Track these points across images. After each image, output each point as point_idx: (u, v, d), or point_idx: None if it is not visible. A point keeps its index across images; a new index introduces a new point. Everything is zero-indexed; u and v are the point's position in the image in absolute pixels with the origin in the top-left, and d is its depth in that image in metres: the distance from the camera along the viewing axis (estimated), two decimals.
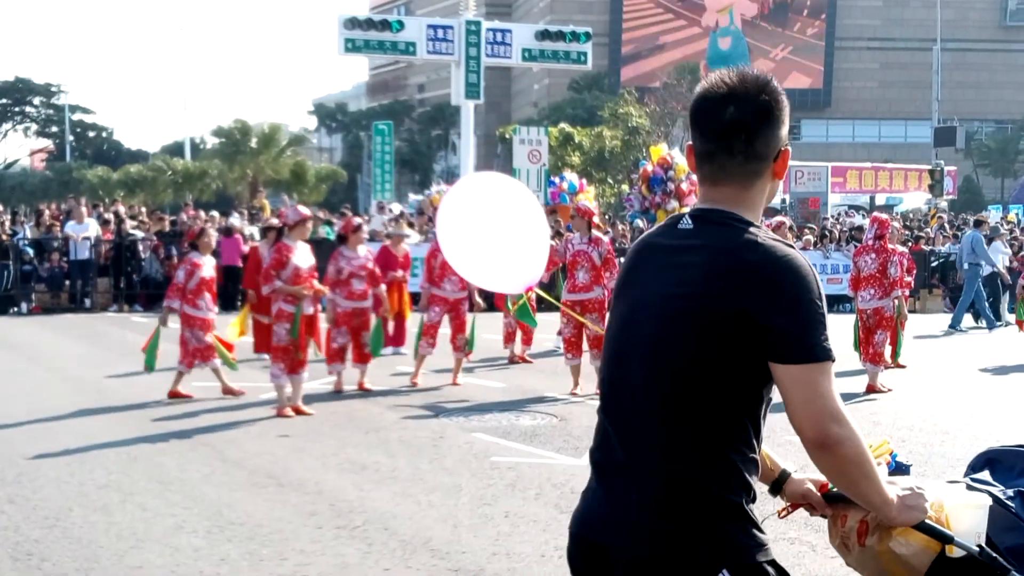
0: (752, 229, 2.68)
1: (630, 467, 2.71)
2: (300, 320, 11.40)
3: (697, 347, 2.62)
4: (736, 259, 2.63)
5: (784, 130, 2.84)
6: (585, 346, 13.19)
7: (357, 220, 13.74)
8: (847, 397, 12.83)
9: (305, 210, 12.57)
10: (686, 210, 2.85)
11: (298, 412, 11.40)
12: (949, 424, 11.16)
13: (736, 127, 2.74)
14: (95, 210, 27.88)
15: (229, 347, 13.05)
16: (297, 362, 11.44)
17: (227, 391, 12.60)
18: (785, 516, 2.83)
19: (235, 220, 27.49)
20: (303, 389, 11.71)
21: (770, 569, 2.70)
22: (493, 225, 6.91)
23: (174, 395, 12.40)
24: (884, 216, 14.62)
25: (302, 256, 11.56)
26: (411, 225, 27.32)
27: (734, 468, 2.70)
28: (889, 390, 13.23)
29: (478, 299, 14.22)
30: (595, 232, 13.36)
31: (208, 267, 12.73)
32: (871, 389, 13.18)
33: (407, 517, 7.49)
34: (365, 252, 13.16)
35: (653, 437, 2.68)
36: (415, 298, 14.92)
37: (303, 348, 11.58)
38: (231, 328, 15.75)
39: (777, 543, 6.81)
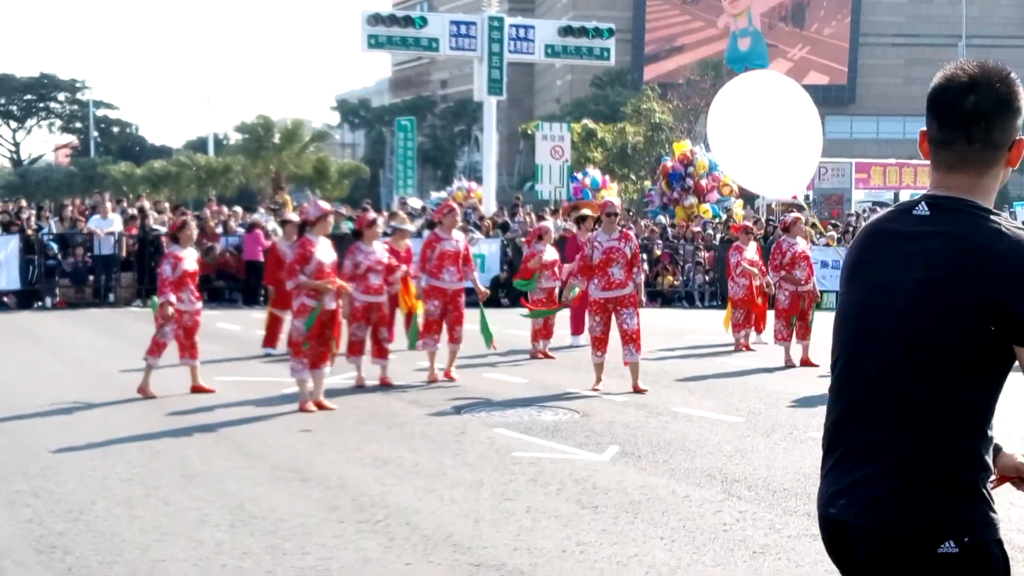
0: (993, 217, 2.79)
1: (870, 446, 2.83)
2: (319, 314, 11.38)
3: (941, 330, 2.73)
4: (981, 247, 2.73)
5: (1020, 120, 2.93)
6: (583, 339, 13.04)
7: (372, 215, 13.71)
8: None
9: (326, 205, 12.56)
10: (918, 196, 2.95)
11: (320, 407, 11.42)
12: None
13: (976, 115, 2.85)
14: (119, 205, 28.00)
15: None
16: (319, 357, 11.44)
17: (197, 389, 12.51)
18: (995, 488, 2.91)
19: (259, 216, 27.59)
20: (324, 384, 11.72)
21: (995, 549, 2.78)
22: (766, 127, 6.63)
23: (142, 391, 12.28)
24: None
25: (324, 251, 11.57)
26: (411, 217, 27.40)
27: (972, 447, 2.78)
28: None
29: (482, 288, 14.08)
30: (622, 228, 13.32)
31: (190, 260, 12.60)
32: None
33: (429, 512, 7.50)
34: (382, 247, 13.18)
35: (894, 416, 2.79)
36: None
37: (326, 342, 11.56)
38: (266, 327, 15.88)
39: (800, 539, 6.81)
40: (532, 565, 6.34)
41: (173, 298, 12.30)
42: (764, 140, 6.33)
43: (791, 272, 15.44)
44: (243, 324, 18.58)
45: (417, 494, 8.00)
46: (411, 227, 17.24)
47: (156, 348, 12.42)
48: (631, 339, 12.68)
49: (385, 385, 12.96)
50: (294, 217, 17.09)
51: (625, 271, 12.76)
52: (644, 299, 13.39)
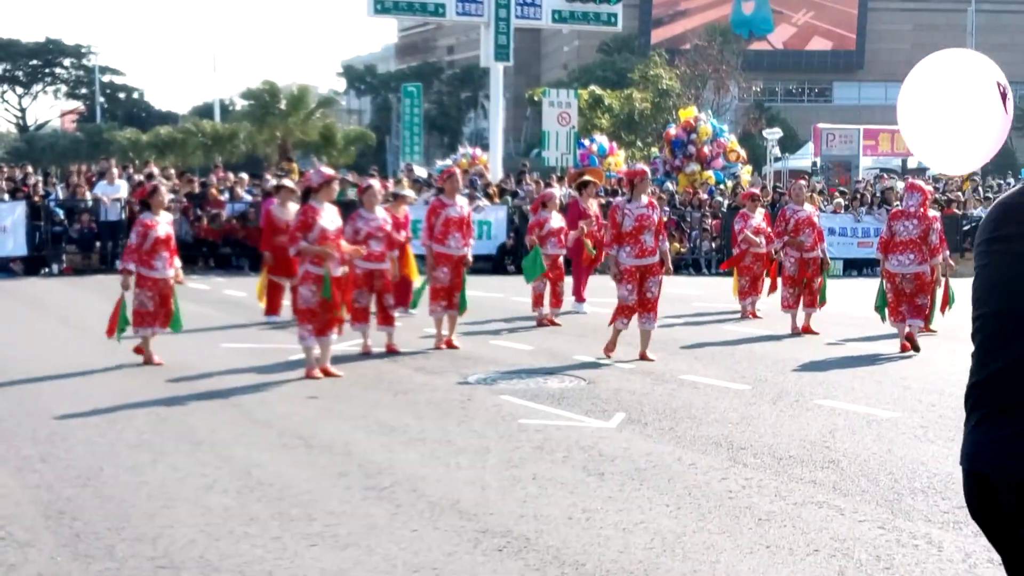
0: None
1: (1016, 402, 2.93)
2: (331, 280, 11.36)
3: None
4: None
5: None
6: (586, 307, 13.03)
7: (369, 181, 13.61)
8: (876, 359, 12.79)
9: (329, 171, 12.41)
10: None
11: (327, 374, 11.43)
12: None
13: None
14: (125, 172, 27.98)
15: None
16: (325, 324, 11.43)
17: (147, 360, 12.28)
18: None
19: (276, 182, 27.48)
20: (331, 351, 11.73)
21: None
22: (954, 100, 6.52)
23: (139, 350, 12.27)
24: (926, 186, 14.68)
25: (329, 218, 11.51)
26: (419, 186, 27.35)
27: None
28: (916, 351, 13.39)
29: (469, 257, 13.86)
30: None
31: (163, 225, 12.36)
32: (904, 348, 13.44)
33: (435, 479, 7.51)
34: (383, 213, 13.12)
35: None
36: (420, 260, 14.73)
37: (337, 307, 11.53)
38: (258, 293, 15.82)
39: (805, 506, 6.83)
40: (538, 532, 6.36)
41: (132, 267, 12.13)
42: (954, 114, 6.32)
43: (795, 238, 15.43)
44: (249, 291, 18.54)
45: (423, 461, 8.02)
46: (410, 193, 17.15)
47: (139, 318, 12.22)
48: (651, 307, 12.65)
49: (391, 352, 12.97)
50: (288, 183, 17.04)
51: (654, 238, 12.71)
52: (671, 268, 13.27)
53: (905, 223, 13.64)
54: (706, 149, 34.25)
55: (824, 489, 7.31)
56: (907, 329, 13.48)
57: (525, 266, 15.95)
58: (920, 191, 13.92)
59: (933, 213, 14.07)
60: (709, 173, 33.96)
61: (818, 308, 15.55)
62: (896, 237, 13.63)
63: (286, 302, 15.89)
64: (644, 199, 12.76)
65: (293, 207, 15.98)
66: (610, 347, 12.81)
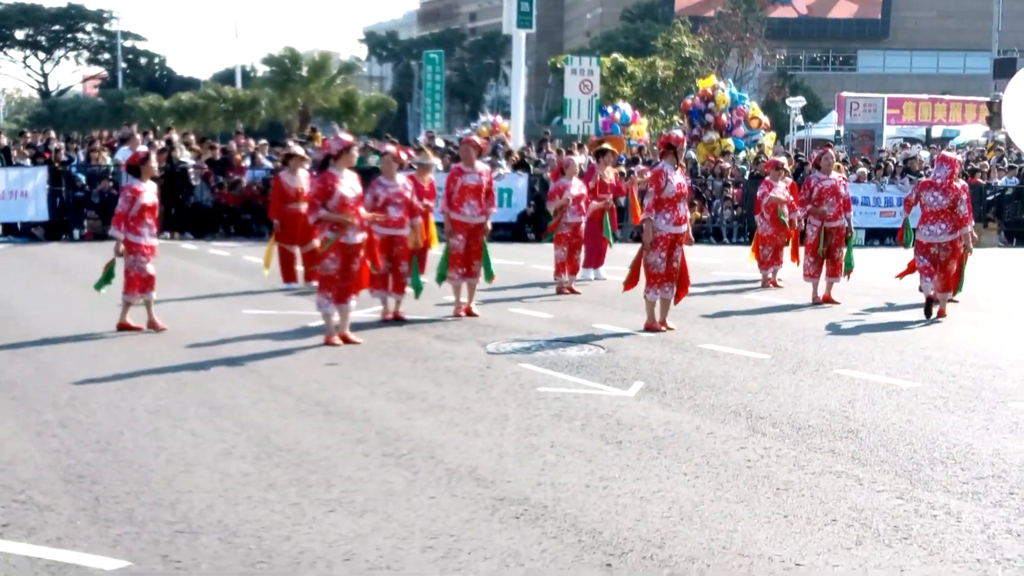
0: None
1: None
2: (333, 244, 11.30)
3: None
4: None
5: None
6: (603, 272, 13.01)
7: (387, 147, 13.53)
8: (898, 329, 12.73)
9: (348, 137, 12.27)
10: None
11: (346, 341, 11.44)
12: (1000, 359, 11.04)
13: None
14: (146, 137, 28.01)
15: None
16: (344, 291, 11.43)
17: (151, 325, 12.23)
18: None
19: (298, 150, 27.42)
20: (350, 318, 11.74)
21: None
22: None
23: (123, 327, 12.18)
24: (954, 156, 14.98)
25: (348, 185, 11.48)
26: (438, 154, 27.29)
27: None
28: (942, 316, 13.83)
29: (488, 226, 13.84)
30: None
31: (149, 193, 12.25)
32: (941, 313, 13.95)
33: (453, 446, 7.52)
34: (403, 180, 13.02)
35: None
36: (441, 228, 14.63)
37: (351, 276, 11.48)
38: (264, 260, 15.80)
39: (823, 475, 6.80)
40: (555, 500, 6.36)
41: (120, 235, 12.02)
42: None
43: (818, 207, 15.35)
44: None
45: (441, 428, 8.03)
46: (435, 161, 17.11)
47: (132, 284, 12.13)
48: (674, 276, 12.50)
49: (398, 319, 12.93)
50: (299, 150, 16.98)
51: (686, 207, 12.64)
52: (692, 237, 13.16)
53: (935, 193, 13.82)
54: (724, 117, 34.06)
55: (843, 459, 7.29)
56: (932, 293, 13.81)
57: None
58: (950, 163, 14.14)
59: (961, 183, 14.26)
60: (728, 141, 33.78)
61: (843, 278, 15.48)
62: (926, 208, 13.83)
63: (300, 268, 15.92)
64: (677, 166, 12.68)
65: (303, 175, 16.04)
66: (651, 322, 12.54)
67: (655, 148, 35.91)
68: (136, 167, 12.45)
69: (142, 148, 25.00)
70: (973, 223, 14.39)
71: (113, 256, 12.30)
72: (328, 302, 11.38)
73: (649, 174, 12.42)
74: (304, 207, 16.04)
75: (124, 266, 12.19)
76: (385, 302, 13.02)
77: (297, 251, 15.95)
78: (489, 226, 13.77)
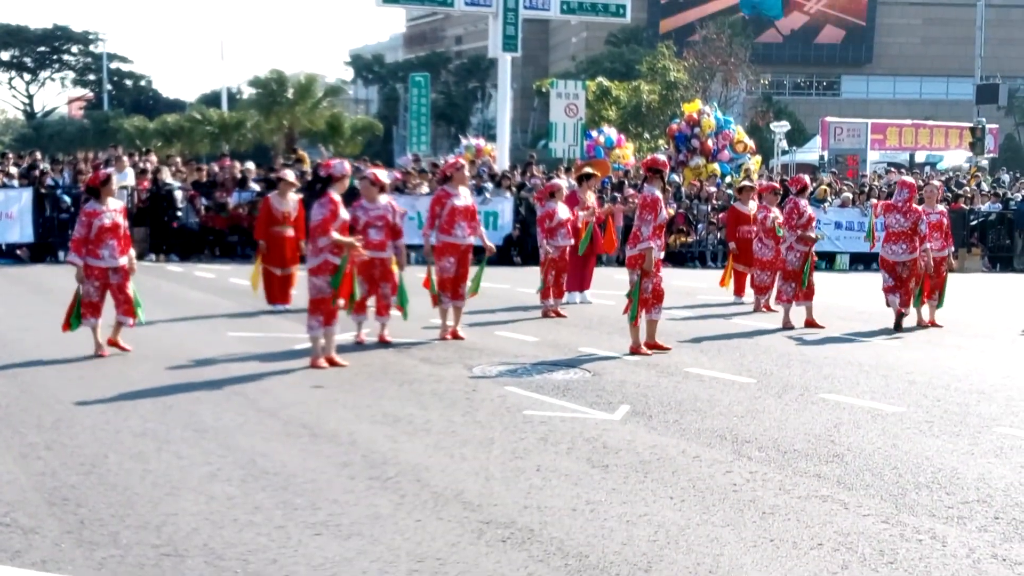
0: None
1: None
2: (345, 271, 11.37)
3: None
4: None
5: None
6: (589, 295, 13.07)
7: (368, 170, 13.56)
8: (882, 354, 12.77)
9: (347, 165, 12.24)
10: None
11: (332, 363, 11.43)
12: (984, 384, 11.08)
13: None
14: (131, 159, 27.99)
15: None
16: (332, 313, 11.43)
17: (112, 343, 12.13)
18: None
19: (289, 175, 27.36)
20: (336, 340, 11.73)
21: None
22: None
23: (111, 343, 12.14)
24: (913, 181, 16.37)
25: (343, 208, 11.56)
26: (424, 176, 27.42)
27: None
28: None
29: (490, 243, 13.97)
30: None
31: (109, 214, 11.98)
32: (932, 323, 15.59)
33: (439, 469, 7.51)
34: (385, 203, 12.98)
35: None
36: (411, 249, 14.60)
37: (344, 296, 11.53)
38: (252, 282, 15.79)
39: (809, 500, 6.82)
40: (542, 523, 6.36)
41: (79, 260, 11.83)
42: None
43: (805, 231, 15.41)
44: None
45: (428, 451, 8.02)
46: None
47: (85, 309, 11.98)
48: (661, 298, 12.69)
49: (384, 343, 12.93)
50: (290, 176, 16.99)
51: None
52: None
53: (896, 216, 15.11)
54: (710, 142, 34.21)
55: (828, 483, 7.31)
56: (901, 310, 15.19)
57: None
58: (909, 187, 15.43)
59: (935, 207, 15.81)
60: (715, 166, 33.92)
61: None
62: (889, 228, 15.15)
63: (296, 291, 15.93)
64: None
65: (292, 199, 16.11)
66: (637, 346, 12.57)
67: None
68: (96, 188, 12.17)
69: (129, 170, 25.05)
70: (952, 248, 15.81)
71: (77, 287, 12.01)
72: (318, 325, 11.38)
73: (640, 200, 12.47)
74: (289, 231, 16.11)
75: (81, 291, 12.00)
76: (360, 325, 13.00)
77: (279, 272, 16.00)
78: (492, 245, 14.04)
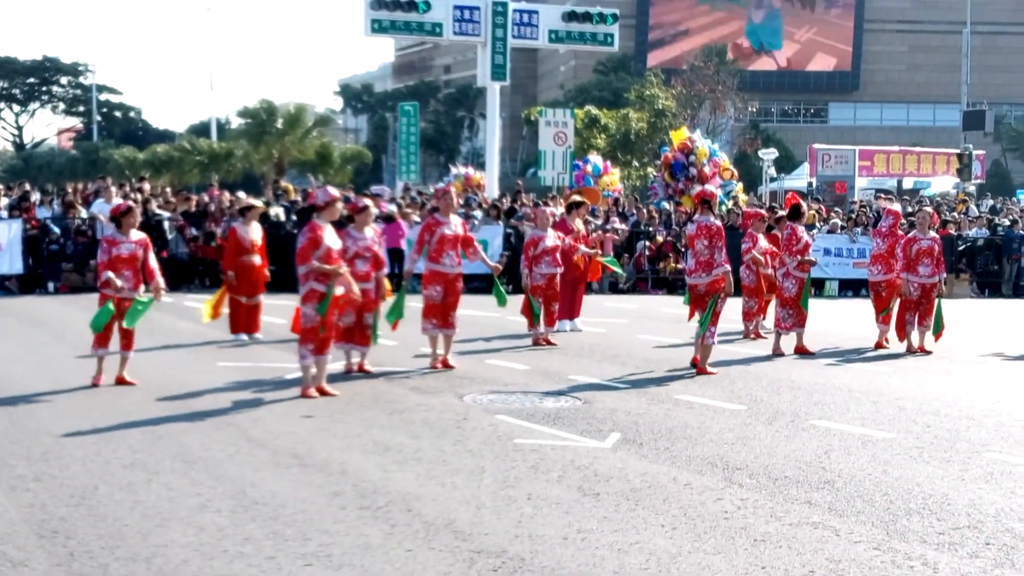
0: None
1: None
2: (331, 299, 11.37)
3: None
4: None
5: None
6: (579, 323, 13.13)
7: (364, 201, 13.56)
8: (871, 380, 12.78)
9: (335, 191, 12.29)
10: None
11: (323, 393, 11.41)
12: (974, 409, 11.10)
13: None
14: (121, 190, 27.98)
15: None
16: (323, 342, 11.43)
17: (120, 380, 12.09)
18: None
19: (394, 207, 27.53)
20: (327, 370, 11.72)
21: None
22: None
23: (119, 380, 12.10)
24: (898, 209, 17.41)
25: (331, 237, 11.55)
26: (415, 205, 27.53)
27: None
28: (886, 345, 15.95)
29: (491, 263, 14.03)
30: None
31: (127, 244, 12.18)
32: (878, 346, 16.04)
33: (430, 498, 7.50)
34: (371, 234, 12.99)
35: None
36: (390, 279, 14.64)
37: (329, 327, 11.54)
38: (205, 308, 15.71)
39: (800, 527, 6.82)
40: (533, 552, 6.35)
41: (111, 274, 11.92)
42: None
43: (805, 257, 15.41)
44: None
45: (418, 480, 8.01)
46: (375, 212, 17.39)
47: (95, 338, 12.10)
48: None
49: (363, 372, 12.90)
50: (256, 202, 16.97)
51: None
52: None
53: (877, 240, 16.38)
54: (706, 170, 34.33)
55: (819, 510, 7.31)
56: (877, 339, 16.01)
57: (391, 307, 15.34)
58: (893, 215, 16.45)
59: (932, 234, 16.17)
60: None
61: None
62: (873, 251, 16.56)
63: (279, 319, 15.88)
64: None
65: (256, 227, 16.19)
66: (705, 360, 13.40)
67: (634, 198, 36.17)
68: (118, 219, 12.44)
69: (123, 201, 25.03)
70: (943, 274, 16.13)
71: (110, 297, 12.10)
72: (309, 354, 11.37)
73: (705, 230, 13.29)
74: (256, 259, 16.12)
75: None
76: (348, 354, 12.99)
77: (244, 301, 16.03)
78: (496, 264, 14.25)
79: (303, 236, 11.51)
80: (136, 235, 12.37)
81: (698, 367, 13.25)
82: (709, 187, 15.26)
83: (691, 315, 13.92)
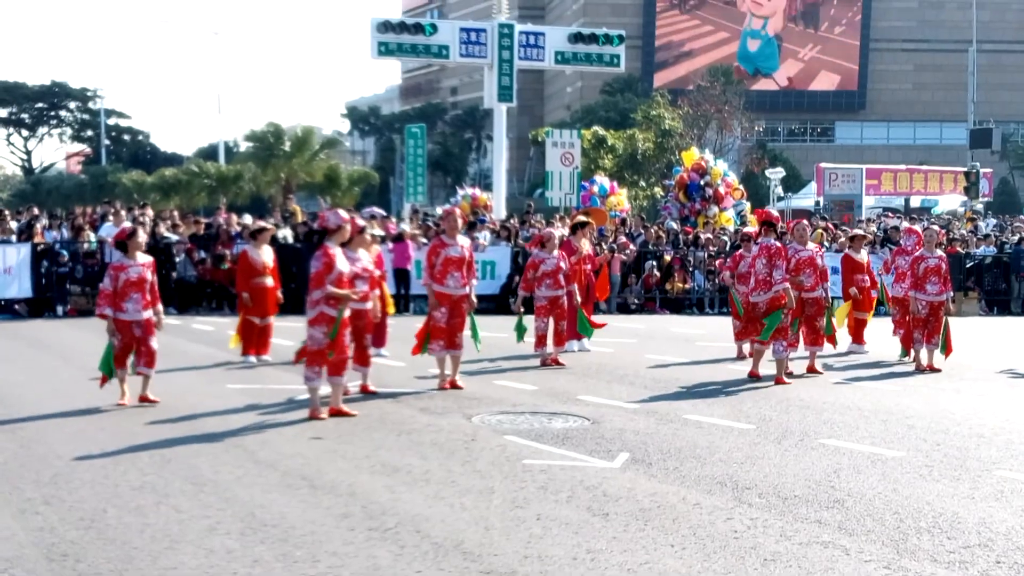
0: None
1: None
2: (341, 323, 11.38)
3: None
4: None
5: None
6: (587, 343, 13.13)
7: (361, 222, 13.56)
8: (881, 398, 12.76)
9: (345, 214, 12.32)
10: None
11: (340, 414, 11.39)
12: (983, 427, 11.08)
13: None
14: (129, 213, 28.07)
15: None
16: (338, 364, 11.43)
17: (143, 399, 12.27)
18: None
19: (405, 226, 27.71)
20: (342, 391, 11.72)
21: None
22: None
23: (143, 399, 12.25)
24: (919, 228, 18.00)
25: (341, 260, 11.55)
26: (423, 227, 27.61)
27: None
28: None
29: (474, 299, 13.90)
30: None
31: (135, 268, 12.27)
32: (929, 367, 15.93)
33: (439, 519, 7.49)
34: (367, 254, 12.96)
35: None
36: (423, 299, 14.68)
37: (341, 350, 11.53)
38: (232, 336, 15.80)
39: (810, 546, 6.80)
40: (543, 573, 6.34)
41: (109, 311, 12.08)
42: None
43: (795, 277, 15.32)
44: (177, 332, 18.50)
45: (427, 501, 8.00)
46: (380, 233, 17.39)
47: (116, 361, 12.27)
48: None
49: (366, 392, 12.89)
50: (268, 225, 17.02)
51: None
52: None
53: (901, 258, 16.89)
54: (721, 189, 34.39)
55: (829, 529, 7.29)
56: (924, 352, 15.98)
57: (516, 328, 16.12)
58: (916, 234, 16.89)
59: (939, 253, 16.35)
60: (728, 214, 34.11)
61: (827, 345, 15.73)
62: (899, 269, 16.88)
63: (289, 341, 15.89)
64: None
65: (267, 250, 16.23)
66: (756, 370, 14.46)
67: (640, 218, 36.17)
68: (123, 243, 12.47)
69: (127, 224, 25.10)
70: (951, 292, 16.35)
71: (109, 339, 12.28)
72: (316, 376, 11.37)
73: (767, 250, 14.13)
74: (269, 281, 16.15)
75: (114, 344, 12.24)
76: (365, 376, 12.97)
77: (258, 322, 16.05)
78: (475, 298, 13.82)
79: (317, 261, 11.48)
80: (143, 258, 12.46)
81: (776, 379, 14.09)
82: (772, 210, 15.93)
83: (740, 335, 16.19)
